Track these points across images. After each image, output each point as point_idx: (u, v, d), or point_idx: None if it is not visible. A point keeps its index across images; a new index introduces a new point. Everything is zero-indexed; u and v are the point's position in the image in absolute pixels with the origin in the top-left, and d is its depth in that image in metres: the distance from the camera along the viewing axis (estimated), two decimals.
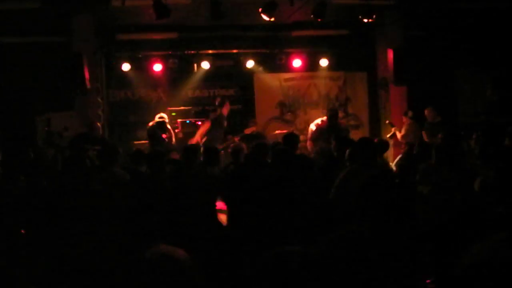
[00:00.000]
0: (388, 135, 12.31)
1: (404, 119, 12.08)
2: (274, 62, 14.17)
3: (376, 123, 14.23)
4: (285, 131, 12.95)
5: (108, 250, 3.73)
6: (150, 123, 11.88)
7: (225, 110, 11.95)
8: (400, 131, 11.94)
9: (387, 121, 12.67)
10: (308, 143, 11.40)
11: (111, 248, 3.89)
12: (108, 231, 5.12)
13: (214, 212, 6.50)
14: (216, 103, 12.18)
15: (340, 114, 14.07)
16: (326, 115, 11.24)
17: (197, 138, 11.63)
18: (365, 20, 10.89)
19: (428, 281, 3.11)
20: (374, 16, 10.78)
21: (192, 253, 2.45)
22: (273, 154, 6.69)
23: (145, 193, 6.00)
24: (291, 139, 7.95)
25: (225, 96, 13.08)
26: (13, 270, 2.03)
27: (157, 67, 13.47)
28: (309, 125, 12.53)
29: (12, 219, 3.79)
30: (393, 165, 9.32)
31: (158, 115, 12.03)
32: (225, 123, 12.00)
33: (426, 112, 11.54)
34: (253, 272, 2.32)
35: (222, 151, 10.86)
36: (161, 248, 2.37)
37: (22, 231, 3.93)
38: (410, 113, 12.03)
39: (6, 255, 3.05)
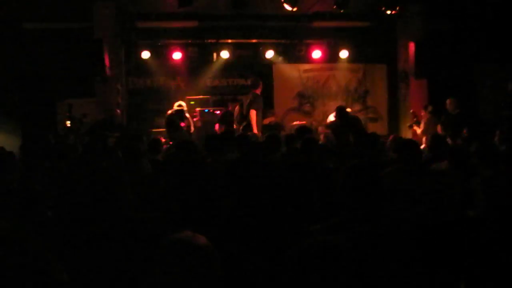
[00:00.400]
0: (408, 124, 12.25)
1: (423, 113, 11.96)
2: (294, 53, 14.14)
3: (395, 116, 14.13)
4: (303, 122, 12.97)
5: (126, 234, 3.75)
6: (169, 111, 11.90)
7: (259, 91, 11.77)
8: (419, 126, 11.85)
9: (411, 111, 12.50)
10: (320, 128, 11.45)
11: (129, 233, 3.91)
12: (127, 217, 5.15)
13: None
14: (250, 83, 12.09)
15: (359, 107, 14.08)
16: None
17: (255, 130, 11.07)
18: (388, 12, 10.83)
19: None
20: (397, 8, 10.71)
21: (213, 241, 2.45)
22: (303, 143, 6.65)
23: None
24: (304, 132, 7.91)
25: (257, 77, 12.85)
26: (43, 253, 2.05)
27: (177, 55, 13.48)
28: (327, 117, 12.54)
29: (38, 204, 3.82)
30: None
31: (177, 103, 12.06)
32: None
33: (447, 102, 11.40)
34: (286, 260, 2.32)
35: None
36: (181, 234, 2.36)
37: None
38: (430, 108, 11.91)
39: (36, 238, 3.08)
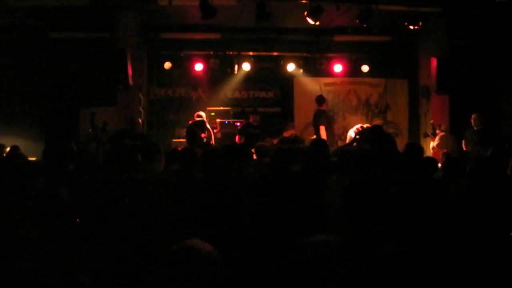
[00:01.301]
0: (424, 132, 12.37)
1: (438, 131, 11.92)
2: (315, 66, 14.18)
3: (415, 132, 14.07)
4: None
5: (140, 244, 3.80)
6: (190, 122, 11.98)
7: (324, 107, 12.30)
8: (434, 139, 11.81)
9: (431, 121, 12.49)
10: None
11: (142, 242, 3.96)
12: (142, 225, 5.20)
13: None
14: (315, 100, 12.46)
15: (379, 122, 14.02)
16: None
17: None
18: (411, 27, 10.83)
19: None
20: (420, 23, 10.72)
21: (221, 249, 2.48)
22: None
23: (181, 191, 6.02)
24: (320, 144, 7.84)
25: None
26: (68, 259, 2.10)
27: (199, 66, 13.60)
28: (347, 131, 12.52)
29: (65, 211, 3.88)
30: None
31: (197, 114, 12.12)
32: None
33: (472, 117, 11.31)
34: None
35: None
36: (188, 242, 2.40)
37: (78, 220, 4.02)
38: (443, 126, 11.90)
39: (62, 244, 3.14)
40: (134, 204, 6.14)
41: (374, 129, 8.29)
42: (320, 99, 12.35)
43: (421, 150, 7.03)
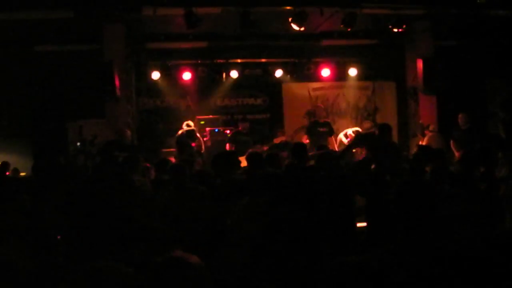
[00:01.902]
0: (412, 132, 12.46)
1: (426, 131, 11.98)
2: (303, 72, 14.21)
3: (404, 133, 14.11)
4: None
5: (125, 255, 3.79)
6: (179, 132, 11.96)
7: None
8: (423, 140, 11.87)
9: (420, 121, 12.57)
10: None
11: (128, 254, 3.95)
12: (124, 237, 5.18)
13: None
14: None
15: (368, 124, 14.05)
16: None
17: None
18: (395, 30, 10.88)
19: None
20: (404, 26, 10.77)
21: (207, 260, 2.47)
22: None
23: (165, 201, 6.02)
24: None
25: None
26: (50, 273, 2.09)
27: (187, 75, 13.59)
28: (337, 135, 12.55)
29: (48, 225, 3.86)
30: None
31: (185, 123, 12.11)
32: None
33: (459, 117, 11.40)
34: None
35: None
36: (174, 253, 2.40)
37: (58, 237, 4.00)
38: (431, 126, 11.97)
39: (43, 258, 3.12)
40: (125, 216, 6.13)
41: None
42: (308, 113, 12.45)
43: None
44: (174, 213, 5.61)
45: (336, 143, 12.25)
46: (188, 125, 12.01)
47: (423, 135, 11.85)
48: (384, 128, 8.79)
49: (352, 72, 14.16)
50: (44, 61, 12.56)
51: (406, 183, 6.04)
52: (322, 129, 12.07)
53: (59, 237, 3.89)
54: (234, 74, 13.57)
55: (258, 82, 14.49)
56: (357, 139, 10.90)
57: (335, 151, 10.63)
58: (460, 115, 11.38)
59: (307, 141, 11.93)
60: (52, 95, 12.65)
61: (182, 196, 5.89)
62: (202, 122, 13.42)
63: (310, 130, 12.22)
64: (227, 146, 12.08)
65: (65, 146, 12.06)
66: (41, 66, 12.56)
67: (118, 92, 11.53)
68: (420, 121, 12.50)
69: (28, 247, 3.24)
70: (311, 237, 4.18)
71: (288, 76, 14.09)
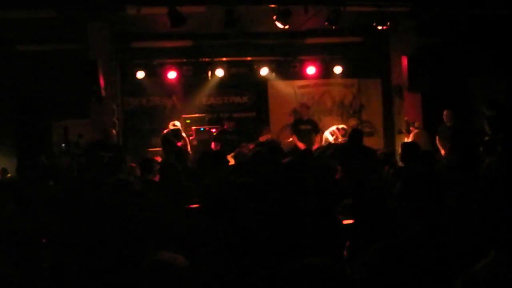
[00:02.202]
0: (398, 128, 12.50)
1: (412, 128, 12.05)
2: (288, 70, 14.20)
3: (390, 130, 14.18)
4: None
5: (111, 256, 3.77)
6: (165, 131, 11.93)
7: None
8: (408, 136, 11.95)
9: (405, 118, 12.64)
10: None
11: (113, 255, 3.93)
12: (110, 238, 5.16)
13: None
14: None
15: (354, 121, 14.12)
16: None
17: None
18: (379, 28, 10.92)
19: None
20: (388, 24, 10.81)
21: (194, 261, 2.47)
22: None
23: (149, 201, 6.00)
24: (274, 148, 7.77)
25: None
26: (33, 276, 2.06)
27: (172, 74, 13.54)
28: (323, 132, 12.58)
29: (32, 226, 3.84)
30: None
31: (172, 123, 12.08)
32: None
33: (444, 113, 11.48)
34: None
35: None
36: (160, 255, 2.39)
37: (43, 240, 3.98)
38: (416, 124, 12.04)
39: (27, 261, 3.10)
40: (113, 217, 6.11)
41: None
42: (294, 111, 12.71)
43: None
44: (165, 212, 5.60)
45: (322, 141, 12.28)
46: (174, 125, 11.99)
47: (409, 132, 11.92)
48: (354, 135, 8.71)
49: (337, 69, 14.17)
50: (27, 61, 12.47)
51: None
52: (304, 126, 12.10)
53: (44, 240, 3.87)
54: (219, 72, 13.54)
55: (243, 81, 14.48)
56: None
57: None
58: (445, 112, 11.47)
59: (291, 139, 11.99)
60: (36, 95, 12.55)
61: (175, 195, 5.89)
62: (188, 121, 13.38)
63: (293, 128, 12.27)
64: (213, 145, 12.07)
65: (50, 146, 12.00)
66: (25, 66, 12.46)
67: (102, 91, 11.47)
68: (405, 118, 12.57)
69: (13, 255, 3.22)
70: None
71: (274, 74, 14.08)
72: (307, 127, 12.12)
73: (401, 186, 2.94)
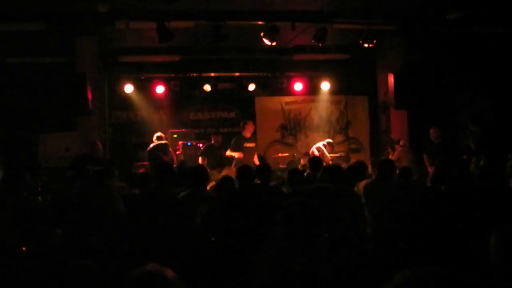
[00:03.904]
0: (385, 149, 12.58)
1: (396, 146, 12.09)
2: (276, 86, 14.30)
3: (377, 147, 14.25)
4: (286, 154, 13.08)
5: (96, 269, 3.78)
6: (151, 145, 11.92)
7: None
8: (393, 154, 11.98)
9: (391, 135, 12.71)
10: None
11: (99, 267, 3.93)
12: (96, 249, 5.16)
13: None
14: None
15: (341, 138, 14.20)
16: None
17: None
18: (366, 45, 11.03)
19: None
20: (374, 41, 10.93)
21: (181, 273, 2.48)
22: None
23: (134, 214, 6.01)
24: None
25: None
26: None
27: (160, 89, 13.59)
28: (310, 148, 12.64)
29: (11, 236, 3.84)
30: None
31: (156, 135, 12.05)
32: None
33: (430, 131, 11.54)
34: None
35: None
36: (148, 267, 2.39)
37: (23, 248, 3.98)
38: (401, 142, 12.10)
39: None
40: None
41: None
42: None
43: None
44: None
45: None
46: (158, 137, 11.95)
47: (394, 150, 11.99)
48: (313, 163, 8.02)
49: (325, 86, 14.29)
50: (16, 73, 12.47)
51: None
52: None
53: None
54: (207, 87, 13.61)
55: (231, 96, 14.56)
56: None
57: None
58: (431, 130, 11.53)
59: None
60: (24, 107, 12.52)
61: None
62: (175, 136, 13.41)
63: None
64: (200, 160, 12.08)
65: (36, 159, 11.97)
66: (13, 78, 12.45)
67: (90, 105, 11.49)
68: (391, 136, 12.65)
69: None
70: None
71: (261, 90, 14.16)
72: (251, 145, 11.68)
73: None
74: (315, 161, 8.05)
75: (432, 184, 6.78)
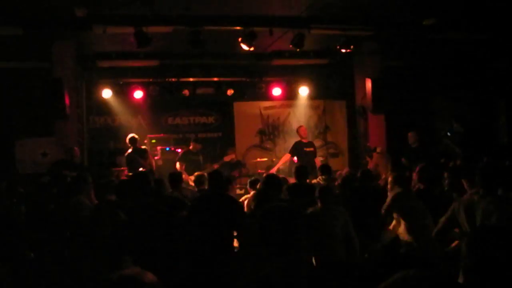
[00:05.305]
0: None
1: (374, 154, 12.17)
2: (254, 91, 14.31)
3: (355, 151, 14.33)
4: (264, 159, 13.11)
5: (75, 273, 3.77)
6: (129, 150, 11.85)
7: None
8: (371, 161, 12.07)
9: (368, 144, 12.79)
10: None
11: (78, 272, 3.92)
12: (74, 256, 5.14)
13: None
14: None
15: (319, 143, 14.24)
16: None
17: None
18: (343, 50, 11.11)
19: None
20: (352, 47, 11.02)
21: (162, 277, 2.48)
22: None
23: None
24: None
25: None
26: None
27: (138, 94, 13.54)
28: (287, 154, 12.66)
29: None
30: None
31: (129, 136, 11.94)
32: None
33: (409, 135, 11.64)
34: None
35: None
36: (128, 271, 2.39)
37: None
38: (378, 149, 12.20)
39: None
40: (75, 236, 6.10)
41: None
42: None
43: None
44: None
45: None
46: (132, 138, 11.84)
47: (371, 157, 12.06)
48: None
49: (303, 91, 14.35)
50: None
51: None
52: (308, 149, 12.04)
53: None
54: (185, 92, 13.59)
55: (209, 101, 14.54)
56: None
57: None
58: (409, 134, 11.64)
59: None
60: (1, 112, 12.39)
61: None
62: (154, 141, 13.34)
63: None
64: (177, 165, 12.05)
65: (13, 164, 11.85)
66: None
67: (67, 110, 11.42)
68: (368, 144, 12.73)
69: None
70: None
71: (240, 95, 14.17)
72: (310, 149, 12.07)
73: None
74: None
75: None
